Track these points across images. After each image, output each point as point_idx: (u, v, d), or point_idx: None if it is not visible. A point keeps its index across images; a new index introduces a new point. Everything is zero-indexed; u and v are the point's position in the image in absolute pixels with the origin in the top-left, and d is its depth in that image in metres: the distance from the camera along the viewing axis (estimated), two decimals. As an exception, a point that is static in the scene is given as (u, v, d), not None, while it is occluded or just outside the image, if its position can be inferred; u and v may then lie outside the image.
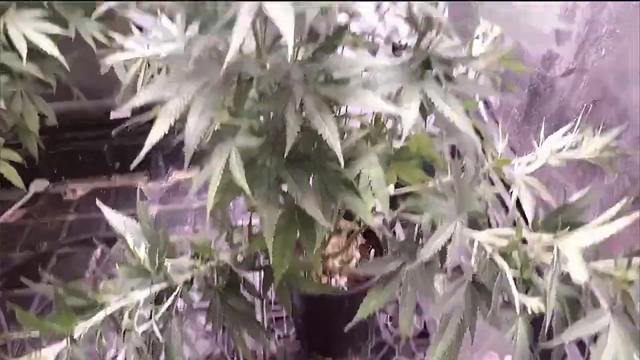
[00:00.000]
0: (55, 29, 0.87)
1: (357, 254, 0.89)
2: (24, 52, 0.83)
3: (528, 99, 1.36)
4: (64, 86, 1.19)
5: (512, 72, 1.42)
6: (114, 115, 1.60)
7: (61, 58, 0.88)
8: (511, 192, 0.90)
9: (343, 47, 0.62)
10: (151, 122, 0.51)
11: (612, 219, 0.46)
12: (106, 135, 1.59)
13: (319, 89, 0.50)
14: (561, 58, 1.20)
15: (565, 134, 0.89)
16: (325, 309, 0.91)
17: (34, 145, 1.26)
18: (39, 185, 1.51)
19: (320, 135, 0.49)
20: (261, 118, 0.56)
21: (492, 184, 1.07)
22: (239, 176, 0.46)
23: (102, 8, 0.48)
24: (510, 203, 0.89)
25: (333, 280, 0.88)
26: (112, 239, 0.80)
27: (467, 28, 0.61)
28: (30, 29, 0.83)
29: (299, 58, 0.53)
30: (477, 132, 0.88)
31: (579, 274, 0.43)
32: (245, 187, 0.45)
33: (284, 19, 0.38)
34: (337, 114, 0.66)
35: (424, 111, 0.62)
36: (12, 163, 1.17)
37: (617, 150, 0.89)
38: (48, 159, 1.44)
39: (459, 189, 0.59)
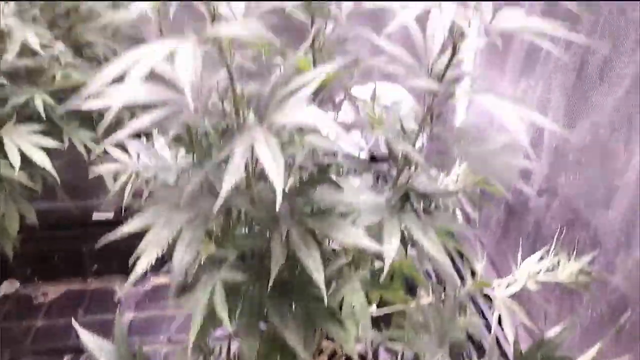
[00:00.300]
0: (51, 143, 0.90)
1: (338, 379, 0.86)
2: (17, 165, 0.86)
3: (505, 215, 1.41)
4: (49, 186, 1.20)
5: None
6: (96, 216, 1.60)
7: (53, 171, 0.90)
8: (492, 312, 0.91)
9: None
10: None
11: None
12: (85, 236, 1.58)
13: (305, 220, 0.52)
14: (534, 179, 1.27)
15: (541, 258, 0.92)
16: None
17: (9, 247, 1.24)
18: (9, 286, 1.47)
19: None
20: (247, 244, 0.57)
21: (474, 302, 1.07)
22: (222, 311, 0.46)
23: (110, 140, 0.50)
24: (492, 326, 0.90)
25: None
26: (81, 349, 0.76)
27: (443, 163, 0.66)
28: (26, 142, 0.86)
29: (286, 189, 0.56)
30: (459, 251, 0.90)
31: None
32: (227, 323, 0.46)
33: (274, 167, 0.40)
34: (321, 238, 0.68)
35: (404, 240, 0.64)
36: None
37: (592, 275, 0.92)
38: (22, 258, 1.40)
39: (440, 321, 0.59)
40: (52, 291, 1.49)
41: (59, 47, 0.96)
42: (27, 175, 0.98)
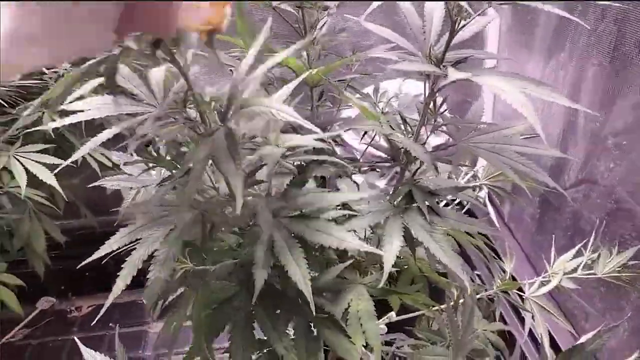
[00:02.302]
0: (58, 161, 0.90)
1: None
2: (23, 184, 0.86)
3: (540, 208, 1.31)
4: (72, 204, 1.21)
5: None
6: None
7: (58, 187, 0.90)
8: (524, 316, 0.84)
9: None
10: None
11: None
12: (112, 251, 1.60)
13: (290, 225, 0.48)
14: (570, 169, 1.18)
15: (578, 253, 0.84)
16: None
17: (40, 265, 1.26)
18: (45, 302, 1.50)
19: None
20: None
21: (510, 302, 1.00)
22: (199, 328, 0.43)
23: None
24: (525, 329, 0.82)
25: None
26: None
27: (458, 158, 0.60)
28: (32, 162, 0.87)
29: (272, 193, 0.52)
30: (482, 249, 0.84)
31: None
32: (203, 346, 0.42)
33: (232, 169, 0.36)
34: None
35: (412, 241, 0.59)
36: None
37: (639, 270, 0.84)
38: (55, 276, 1.42)
39: (453, 328, 0.53)
40: (85, 305, 1.51)
41: (64, 65, 0.95)
42: (48, 195, 0.99)
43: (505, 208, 1.54)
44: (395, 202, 0.56)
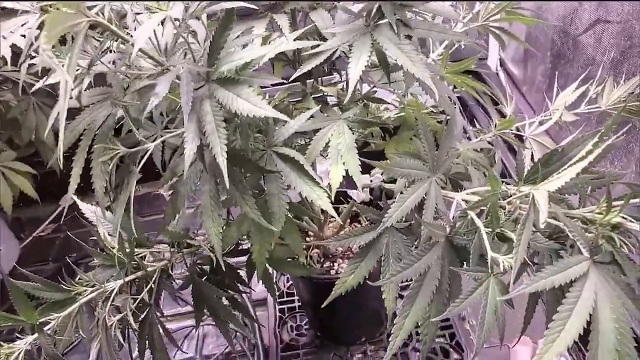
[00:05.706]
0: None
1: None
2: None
3: (552, 64, 1.25)
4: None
5: (534, 37, 1.32)
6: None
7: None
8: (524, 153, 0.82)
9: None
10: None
11: (582, 159, 0.39)
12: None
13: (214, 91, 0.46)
14: (583, 12, 1.10)
15: (578, 88, 0.80)
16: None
17: (54, 158, 1.30)
18: (68, 199, 1.57)
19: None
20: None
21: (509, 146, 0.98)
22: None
23: None
24: (526, 162, 0.81)
25: (335, 265, 0.83)
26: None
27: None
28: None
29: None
30: (480, 96, 0.81)
31: (542, 216, 0.37)
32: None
33: None
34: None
35: (387, 67, 0.57)
36: (35, 178, 1.20)
37: (647, 100, 0.80)
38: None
39: (429, 148, 0.53)
40: (105, 200, 1.57)
41: None
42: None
43: (519, 72, 1.47)
44: (367, 22, 0.53)
